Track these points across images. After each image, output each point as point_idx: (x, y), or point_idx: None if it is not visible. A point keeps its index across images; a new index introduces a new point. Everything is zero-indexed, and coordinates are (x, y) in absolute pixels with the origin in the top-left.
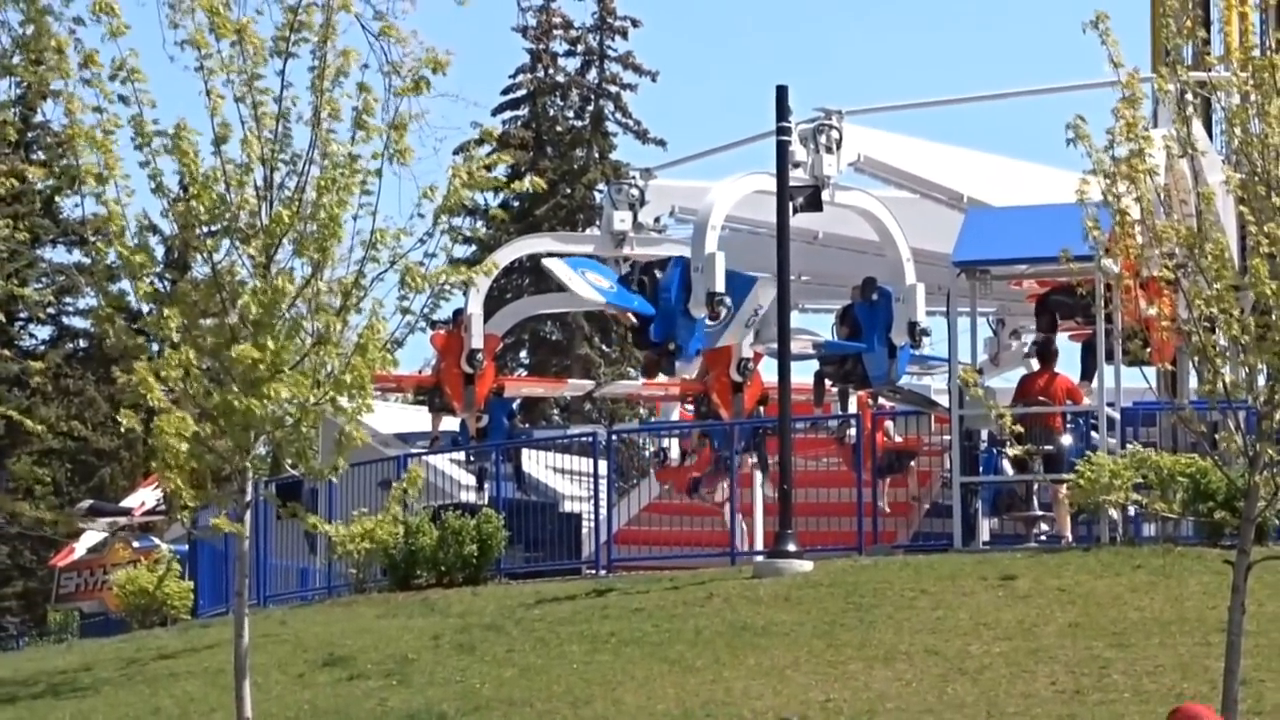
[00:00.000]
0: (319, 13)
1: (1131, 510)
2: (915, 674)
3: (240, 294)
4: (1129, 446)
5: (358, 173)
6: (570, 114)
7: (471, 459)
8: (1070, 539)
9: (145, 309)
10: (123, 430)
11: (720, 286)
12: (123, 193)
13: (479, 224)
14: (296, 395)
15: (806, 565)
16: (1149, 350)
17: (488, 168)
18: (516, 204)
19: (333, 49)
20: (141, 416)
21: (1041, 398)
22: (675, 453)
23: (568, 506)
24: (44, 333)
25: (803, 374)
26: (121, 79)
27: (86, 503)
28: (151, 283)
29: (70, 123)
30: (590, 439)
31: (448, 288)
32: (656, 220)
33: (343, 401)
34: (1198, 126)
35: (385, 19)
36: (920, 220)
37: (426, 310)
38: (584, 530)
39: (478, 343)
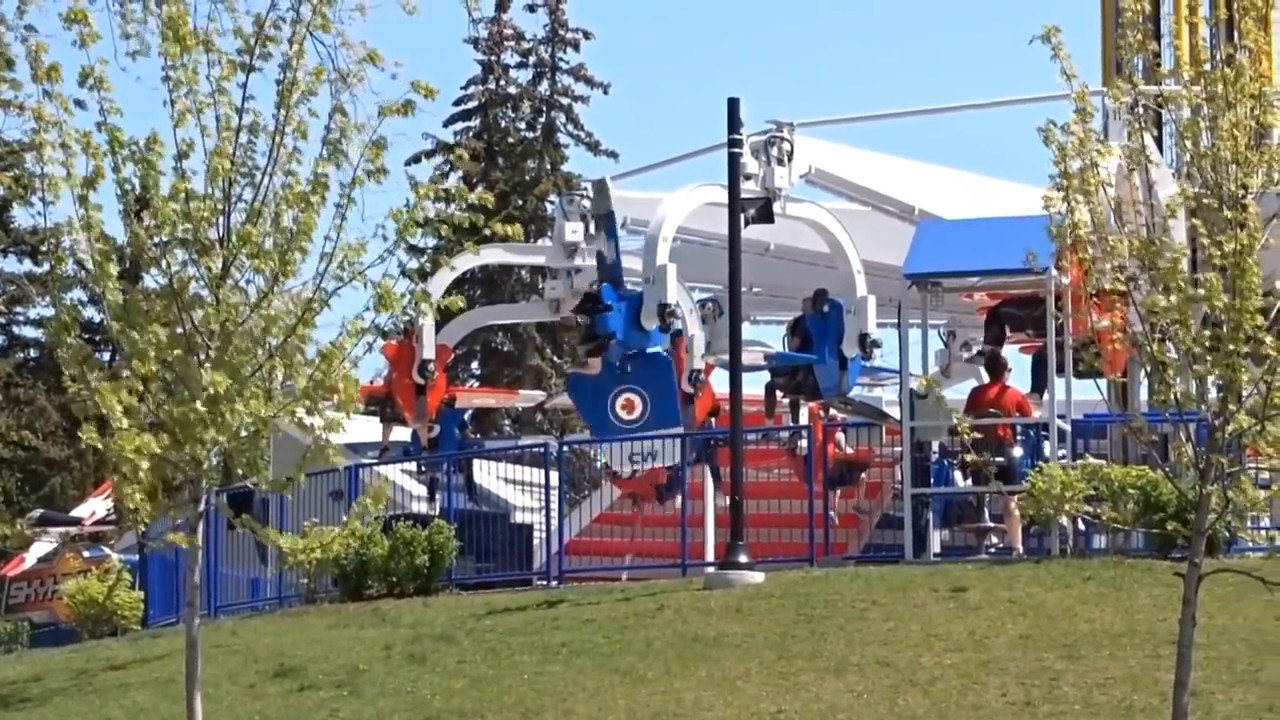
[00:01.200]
0: (286, 27)
1: (1082, 522)
2: (866, 685)
3: (198, 306)
4: (1081, 458)
5: (326, 190)
6: (522, 125)
7: (423, 470)
8: (1021, 551)
9: (104, 320)
10: (83, 443)
11: (672, 298)
12: (81, 203)
13: (431, 239)
14: (253, 409)
15: (758, 576)
16: (1100, 361)
17: (473, 207)
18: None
19: (302, 68)
20: (94, 428)
21: (992, 410)
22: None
23: (519, 517)
24: None
25: (754, 385)
26: (90, 85)
27: (37, 512)
28: (118, 296)
29: (39, 129)
30: (542, 450)
31: (410, 314)
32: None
33: (308, 418)
34: (1149, 139)
35: (331, 24)
36: (871, 232)
37: (386, 327)
38: (535, 541)
39: (429, 353)
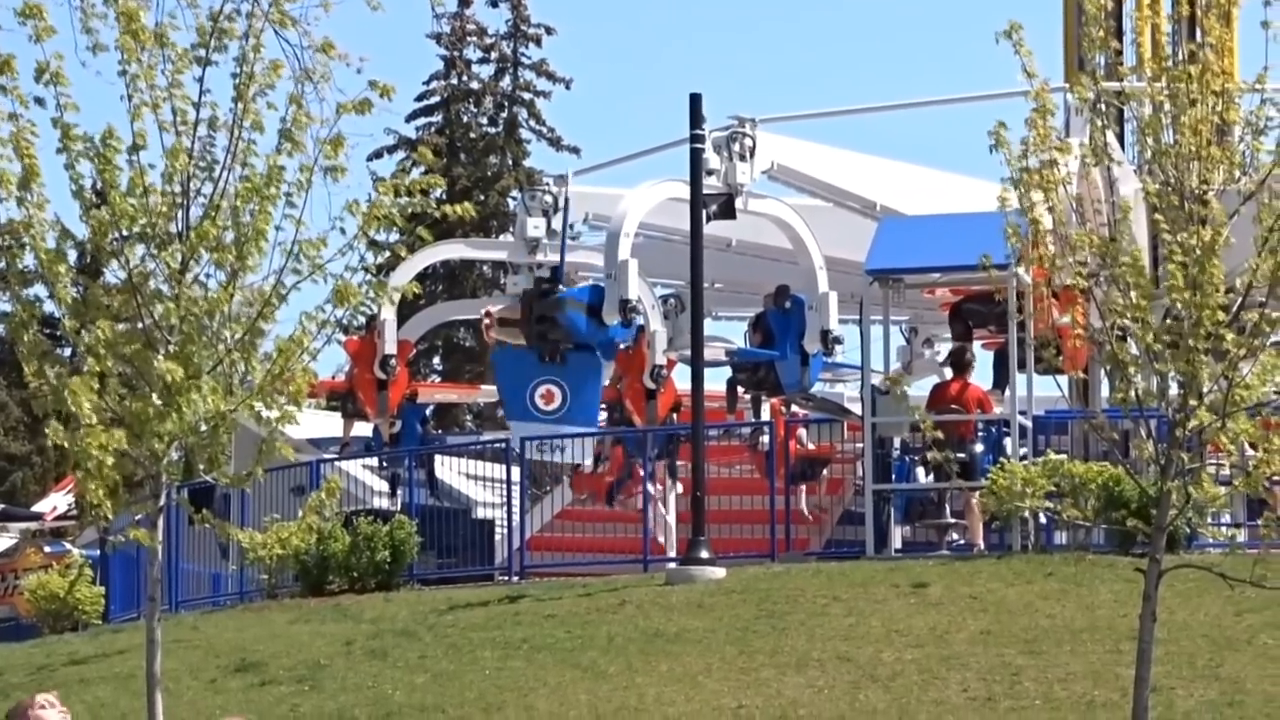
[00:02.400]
0: (242, 20)
1: (1043, 518)
2: (827, 681)
3: (158, 301)
4: (1045, 453)
5: (282, 183)
6: (484, 121)
7: (384, 465)
8: (982, 547)
9: (61, 315)
10: (48, 440)
11: (633, 294)
12: (40, 199)
13: (394, 233)
14: (213, 404)
15: (719, 572)
16: (1061, 358)
17: (424, 191)
18: (431, 212)
19: (260, 60)
20: (58, 425)
21: (954, 406)
22: (589, 459)
23: (481, 513)
24: None
25: (716, 381)
26: (45, 81)
27: None
28: (71, 291)
29: None
30: (503, 445)
31: (366, 303)
32: (570, 227)
33: (265, 411)
34: (1110, 136)
35: (294, 22)
36: (833, 228)
37: (345, 321)
38: (497, 536)
39: (391, 348)
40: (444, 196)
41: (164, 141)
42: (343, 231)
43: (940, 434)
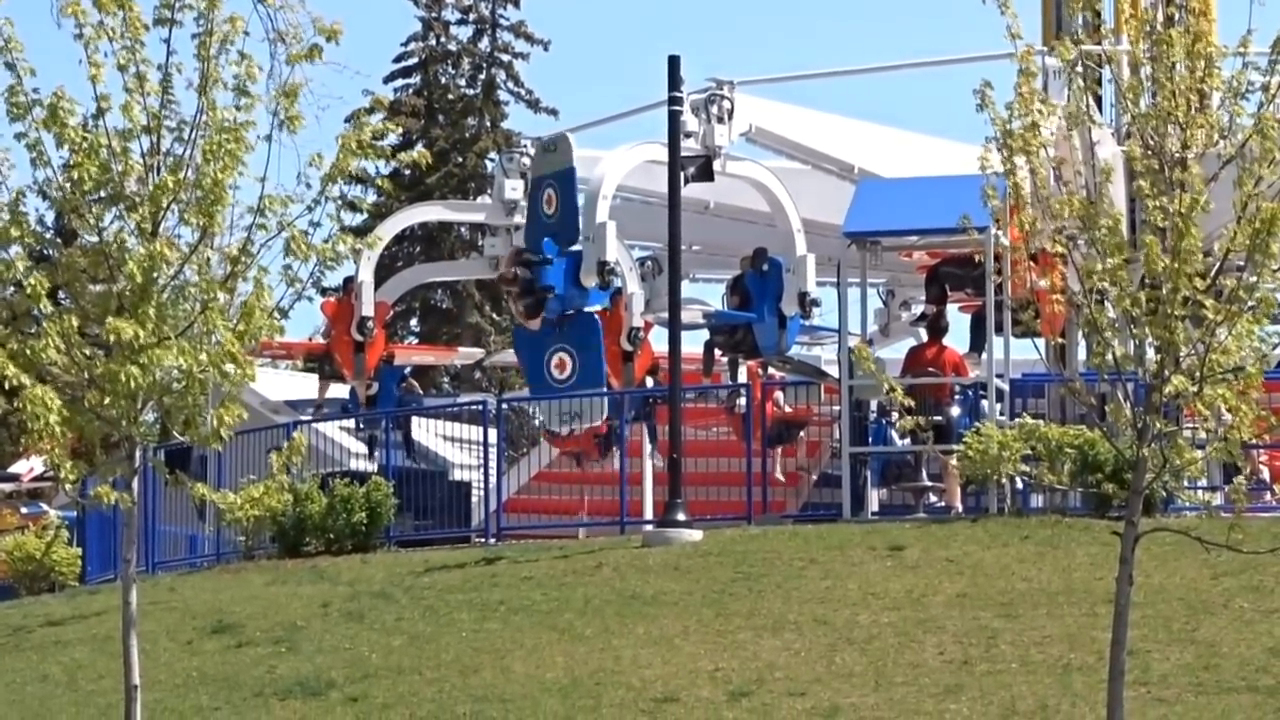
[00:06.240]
0: None
1: (1020, 481)
2: (804, 643)
3: (126, 261)
4: (1021, 417)
5: (243, 140)
6: (462, 82)
7: (361, 427)
8: (959, 509)
9: (28, 277)
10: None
11: (611, 256)
12: (3, 165)
13: (368, 193)
14: (181, 363)
15: (696, 535)
16: (1039, 321)
17: (376, 136)
18: (408, 172)
19: (219, 17)
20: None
21: (930, 369)
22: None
23: (457, 475)
24: None
25: (693, 344)
26: None
27: None
28: (31, 252)
29: None
30: (480, 407)
31: (332, 257)
32: None
33: (229, 369)
34: (1089, 100)
35: None
36: (811, 191)
37: (314, 279)
38: (474, 498)
39: (368, 310)
40: (403, 142)
41: (127, 101)
42: (308, 186)
43: (911, 401)
